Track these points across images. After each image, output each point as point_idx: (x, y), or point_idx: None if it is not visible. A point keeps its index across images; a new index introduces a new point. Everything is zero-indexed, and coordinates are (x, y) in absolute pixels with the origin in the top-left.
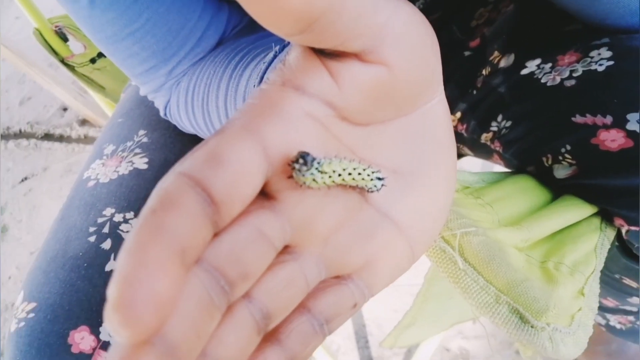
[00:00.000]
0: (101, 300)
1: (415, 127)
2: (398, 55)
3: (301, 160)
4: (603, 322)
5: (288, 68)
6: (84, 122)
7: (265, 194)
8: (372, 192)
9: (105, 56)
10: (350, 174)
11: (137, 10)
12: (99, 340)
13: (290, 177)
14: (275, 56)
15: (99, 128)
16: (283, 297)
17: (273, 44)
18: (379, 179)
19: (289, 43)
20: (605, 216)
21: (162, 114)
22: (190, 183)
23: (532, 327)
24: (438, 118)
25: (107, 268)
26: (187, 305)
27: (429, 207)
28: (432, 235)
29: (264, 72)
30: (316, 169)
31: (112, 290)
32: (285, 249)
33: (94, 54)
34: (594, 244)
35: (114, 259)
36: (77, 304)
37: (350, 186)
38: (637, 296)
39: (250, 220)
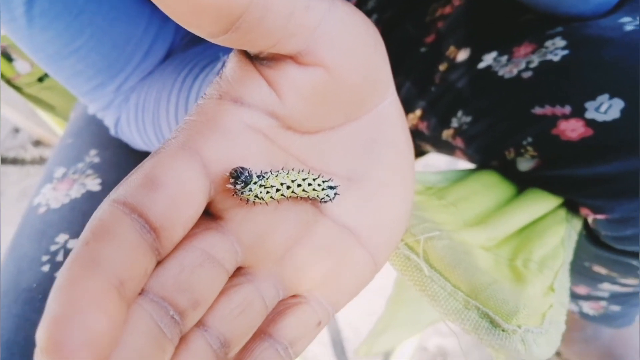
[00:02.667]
0: None
1: (367, 131)
2: (336, 56)
3: (237, 174)
4: (576, 309)
5: (224, 80)
6: (38, 143)
7: (210, 214)
8: (325, 202)
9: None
10: (299, 185)
11: (79, 27)
12: None
13: (235, 194)
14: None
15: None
16: (241, 323)
17: (220, 54)
18: (331, 187)
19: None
20: (571, 207)
21: (112, 132)
22: (126, 210)
23: (503, 330)
24: (391, 120)
25: None
26: (133, 339)
27: (387, 214)
28: (394, 243)
29: None
30: (255, 183)
31: (41, 333)
32: (239, 271)
33: (42, 73)
34: (560, 236)
35: None
36: (33, 339)
37: (302, 198)
38: (608, 282)
39: (195, 244)
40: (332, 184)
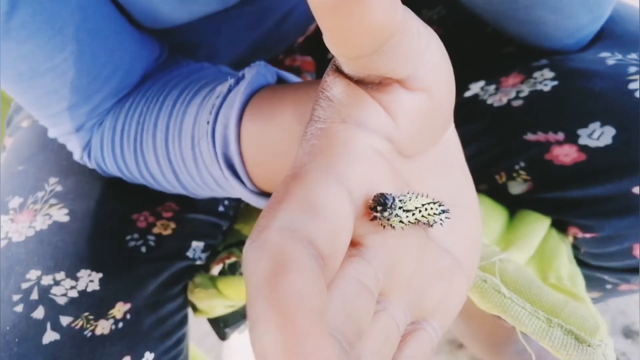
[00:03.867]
0: None
1: (442, 157)
2: (437, 82)
3: (383, 200)
4: None
5: (340, 104)
6: None
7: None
8: (433, 226)
9: None
10: (426, 209)
11: (60, 42)
12: None
13: (373, 219)
14: (230, 90)
15: None
16: (384, 351)
17: (229, 77)
18: (444, 212)
19: (243, 76)
20: (558, 226)
21: (77, 157)
22: (297, 237)
23: (589, 346)
24: (455, 144)
25: (45, 340)
26: None
27: (472, 236)
28: (477, 262)
29: (219, 107)
30: (400, 208)
31: None
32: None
33: None
34: (566, 255)
35: (52, 329)
36: None
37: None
38: None
39: (350, 273)
40: (445, 208)
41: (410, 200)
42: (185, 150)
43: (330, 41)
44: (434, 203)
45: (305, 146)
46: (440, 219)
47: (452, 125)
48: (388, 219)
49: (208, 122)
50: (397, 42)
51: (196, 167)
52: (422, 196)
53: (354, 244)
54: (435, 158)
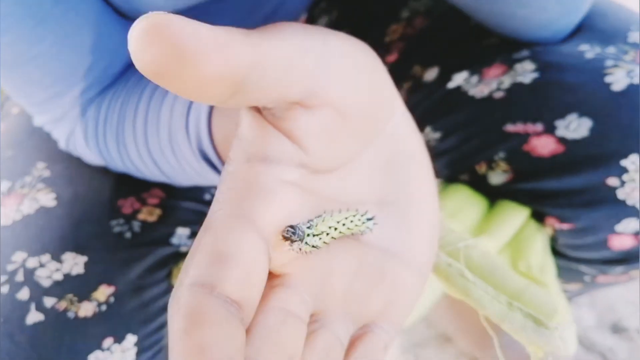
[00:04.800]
0: (27, 358)
1: (386, 151)
2: (338, 91)
3: (291, 230)
4: None
5: (246, 142)
6: None
7: (271, 272)
8: (364, 234)
9: None
10: (344, 224)
11: (42, 32)
12: None
13: (290, 248)
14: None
15: None
16: None
17: None
18: (369, 219)
19: None
20: (536, 217)
21: (62, 145)
22: (206, 291)
23: (546, 328)
24: (404, 133)
25: (29, 321)
26: None
27: (423, 227)
28: (433, 252)
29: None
30: (309, 234)
31: None
32: (311, 318)
33: None
34: (541, 244)
35: (36, 309)
36: None
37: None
38: None
39: (271, 304)
40: (369, 216)
41: (322, 222)
42: (163, 142)
43: (183, 97)
44: (355, 215)
45: (217, 193)
46: (367, 227)
47: (400, 111)
48: (300, 248)
49: (182, 115)
50: (259, 77)
51: (175, 158)
52: (339, 212)
53: (276, 275)
54: (375, 155)
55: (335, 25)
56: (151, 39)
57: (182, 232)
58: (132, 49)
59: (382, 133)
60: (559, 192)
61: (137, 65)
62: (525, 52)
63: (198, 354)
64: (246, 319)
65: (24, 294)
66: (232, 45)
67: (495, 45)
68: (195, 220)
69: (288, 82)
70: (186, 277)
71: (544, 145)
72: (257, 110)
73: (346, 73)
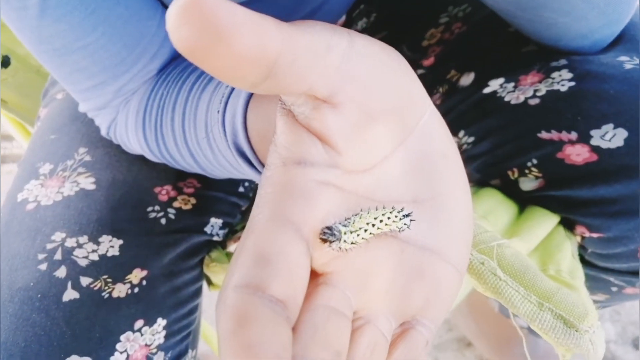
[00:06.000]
0: (61, 333)
1: (418, 150)
2: (365, 89)
3: (329, 232)
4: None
5: (280, 147)
6: None
7: (314, 271)
8: (402, 231)
9: (5, 67)
10: (381, 221)
11: (93, 23)
12: None
13: (330, 248)
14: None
15: None
16: None
17: None
18: (406, 215)
19: None
20: (566, 224)
21: (103, 133)
22: (251, 292)
23: (576, 331)
24: (434, 131)
25: (65, 298)
26: None
27: (457, 225)
28: (469, 249)
29: (229, 96)
30: (346, 232)
31: None
32: (355, 314)
33: None
34: (570, 250)
35: (72, 288)
36: (34, 340)
37: (383, 232)
38: None
39: (316, 302)
40: (405, 212)
41: (360, 219)
42: (200, 136)
43: (217, 77)
44: (391, 212)
45: (257, 198)
46: (404, 223)
47: (429, 111)
48: (340, 247)
49: (218, 111)
50: (289, 63)
51: (211, 152)
52: (375, 210)
53: (318, 273)
54: (407, 154)
55: (374, 28)
56: (188, 16)
57: (215, 222)
58: (169, 26)
59: (413, 132)
60: (590, 201)
61: (174, 41)
62: (563, 61)
63: (246, 353)
64: (292, 317)
65: (61, 272)
66: (265, 28)
67: (533, 53)
68: (229, 212)
69: (316, 74)
70: (231, 279)
71: (577, 154)
72: (290, 115)
73: (371, 72)
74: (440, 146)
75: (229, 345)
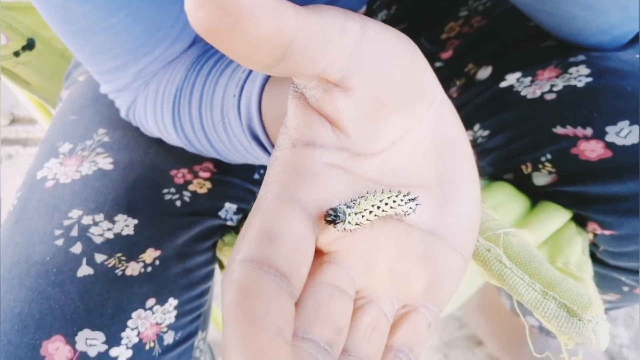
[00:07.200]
0: (75, 307)
1: (428, 136)
2: (376, 74)
3: (333, 213)
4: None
5: (290, 128)
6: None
7: (319, 250)
8: (408, 215)
9: (30, 49)
10: (386, 204)
11: (117, 4)
12: (75, 350)
13: (335, 229)
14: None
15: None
16: (375, 341)
17: None
18: (412, 199)
19: None
20: (578, 221)
21: (123, 114)
22: (256, 266)
23: (579, 320)
24: (445, 119)
25: (80, 273)
26: None
27: (464, 211)
28: (475, 236)
29: (245, 81)
30: (351, 213)
31: None
32: (358, 294)
33: (18, 47)
34: (580, 246)
35: (87, 264)
36: (48, 312)
37: (388, 215)
38: None
39: (319, 279)
40: (412, 197)
41: (365, 201)
42: (216, 119)
43: (233, 59)
44: (397, 195)
45: (265, 177)
46: (410, 207)
47: (441, 98)
48: (344, 228)
49: (234, 96)
50: (304, 45)
51: (227, 135)
52: (382, 192)
53: (323, 253)
54: (417, 140)
55: (393, 19)
56: None
57: (229, 206)
58: (188, 7)
59: (423, 118)
60: (602, 198)
61: (192, 22)
62: (581, 57)
63: (249, 324)
64: (295, 292)
65: (77, 248)
66: (281, 10)
67: (552, 48)
68: (243, 198)
69: (329, 57)
70: (237, 254)
71: (592, 150)
72: (301, 97)
73: (383, 58)
74: (450, 134)
75: (232, 317)
